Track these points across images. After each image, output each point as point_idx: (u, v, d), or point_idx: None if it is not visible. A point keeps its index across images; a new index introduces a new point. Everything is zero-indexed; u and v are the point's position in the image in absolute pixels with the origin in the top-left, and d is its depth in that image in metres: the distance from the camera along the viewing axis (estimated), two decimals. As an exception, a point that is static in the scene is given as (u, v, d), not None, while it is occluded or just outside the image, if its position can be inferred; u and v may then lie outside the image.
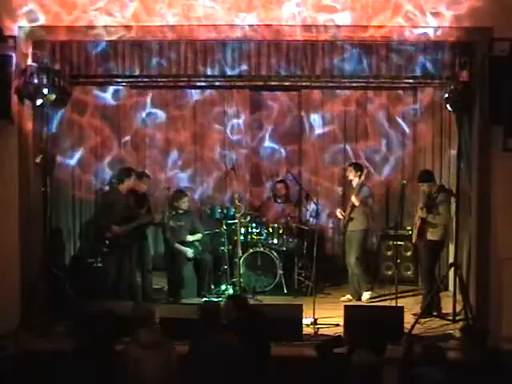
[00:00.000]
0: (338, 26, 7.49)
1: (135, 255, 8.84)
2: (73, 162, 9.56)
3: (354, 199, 8.98)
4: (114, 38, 7.59)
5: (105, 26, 7.53)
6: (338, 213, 9.29)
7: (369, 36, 7.50)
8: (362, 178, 9.00)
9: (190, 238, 9.35)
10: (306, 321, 7.58)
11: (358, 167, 9.19)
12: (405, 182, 8.81)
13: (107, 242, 8.47)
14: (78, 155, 9.63)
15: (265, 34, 7.56)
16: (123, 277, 8.66)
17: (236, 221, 9.21)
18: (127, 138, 10.45)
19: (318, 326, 7.60)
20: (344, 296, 9.10)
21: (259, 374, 5.54)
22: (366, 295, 8.99)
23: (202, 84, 9.59)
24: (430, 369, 5.04)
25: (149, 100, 10.54)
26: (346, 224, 9.11)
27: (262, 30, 7.55)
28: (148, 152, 10.68)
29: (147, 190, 9.25)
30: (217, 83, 9.36)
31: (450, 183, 8.71)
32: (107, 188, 9.72)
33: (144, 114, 10.59)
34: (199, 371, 5.36)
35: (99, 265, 8.87)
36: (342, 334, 6.94)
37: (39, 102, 7.49)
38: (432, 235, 8.28)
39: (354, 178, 9.09)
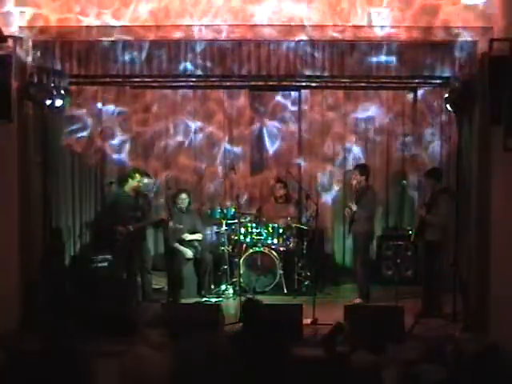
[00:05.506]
0: (338, 26, 7.50)
1: (135, 255, 8.85)
2: (73, 160, 9.57)
3: (352, 205, 8.81)
4: (114, 38, 7.60)
5: (105, 26, 7.53)
6: (346, 212, 9.12)
7: (369, 36, 7.51)
8: (368, 180, 8.88)
9: (188, 236, 9.35)
10: (306, 321, 7.59)
11: (364, 170, 9.02)
12: (405, 182, 8.80)
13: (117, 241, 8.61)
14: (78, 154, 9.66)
15: (265, 33, 7.58)
16: (123, 277, 8.67)
17: (236, 221, 9.21)
18: (129, 137, 10.47)
19: (317, 326, 7.60)
20: (356, 298, 8.83)
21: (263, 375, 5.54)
22: (357, 301, 8.73)
23: (202, 84, 9.60)
24: (430, 368, 5.04)
25: (148, 100, 10.55)
26: (351, 225, 9.06)
27: (262, 30, 7.57)
28: (148, 152, 10.69)
29: (149, 190, 9.28)
30: (217, 83, 9.37)
31: (450, 183, 8.71)
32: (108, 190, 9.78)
33: (144, 114, 10.60)
34: (194, 372, 5.35)
35: (100, 265, 8.90)
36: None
37: (39, 101, 7.49)
38: (430, 235, 8.26)
39: (360, 181, 8.90)
